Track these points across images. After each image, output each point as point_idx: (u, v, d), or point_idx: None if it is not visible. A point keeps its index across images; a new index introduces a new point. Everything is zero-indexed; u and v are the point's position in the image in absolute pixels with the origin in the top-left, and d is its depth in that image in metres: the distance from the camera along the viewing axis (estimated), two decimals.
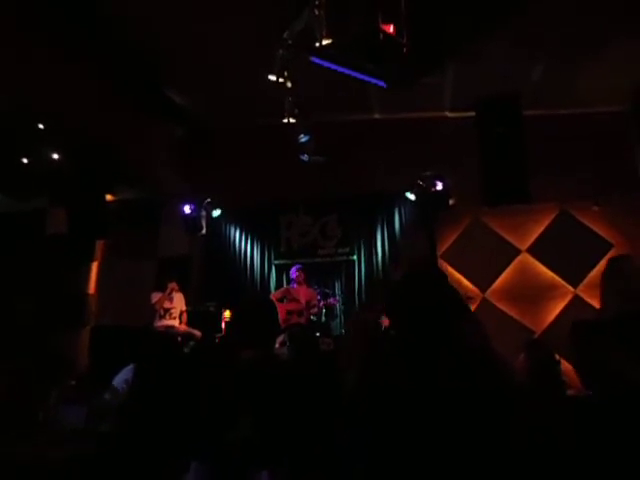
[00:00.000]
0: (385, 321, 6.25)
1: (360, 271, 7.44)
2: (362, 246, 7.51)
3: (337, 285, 7.43)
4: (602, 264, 6.84)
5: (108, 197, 7.25)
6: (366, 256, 7.47)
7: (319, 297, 6.60)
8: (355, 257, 7.48)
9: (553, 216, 7.03)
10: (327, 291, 6.91)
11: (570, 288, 6.79)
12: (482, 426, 1.29)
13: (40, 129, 5.69)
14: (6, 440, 2.51)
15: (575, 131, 6.55)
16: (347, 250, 7.51)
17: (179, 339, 5.82)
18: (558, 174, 6.41)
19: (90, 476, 1.91)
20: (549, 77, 5.93)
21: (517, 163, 5.99)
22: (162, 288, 6.30)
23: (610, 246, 6.84)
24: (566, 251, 6.74)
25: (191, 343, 5.83)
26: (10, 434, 2.60)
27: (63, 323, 6.97)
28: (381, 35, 3.50)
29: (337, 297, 7.10)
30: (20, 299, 6.94)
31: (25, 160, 6.24)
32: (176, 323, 6.22)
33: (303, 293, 6.41)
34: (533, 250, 6.97)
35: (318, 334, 6.17)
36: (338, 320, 7.15)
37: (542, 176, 6.10)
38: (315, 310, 6.61)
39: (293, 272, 6.57)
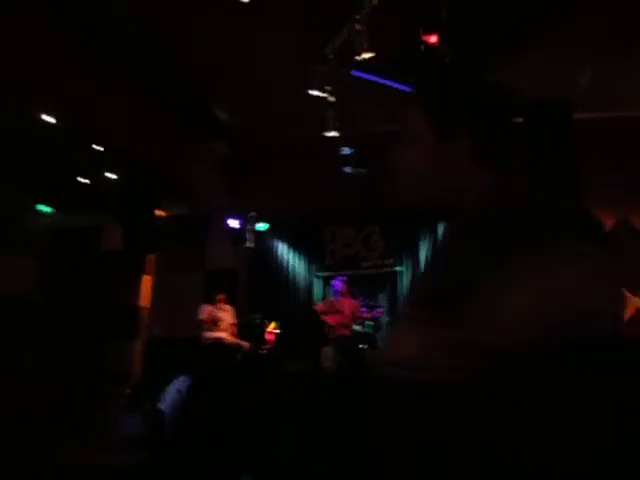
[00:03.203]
0: None
1: (404, 282, 7.35)
2: (406, 258, 7.43)
3: (382, 296, 7.37)
4: None
5: (158, 213, 7.55)
6: (411, 267, 7.38)
7: (364, 309, 6.56)
8: (399, 268, 7.41)
9: (610, 224, 6.72)
10: (372, 303, 6.86)
11: (633, 298, 6.44)
12: None
13: (97, 150, 6.01)
14: (66, 449, 2.63)
15: (630, 135, 6.26)
16: (391, 261, 7.45)
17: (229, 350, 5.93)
18: (613, 180, 6.13)
19: None
20: (598, 81, 5.72)
21: (568, 170, 5.78)
22: (211, 300, 6.44)
23: None
24: (624, 260, 6.41)
25: (239, 355, 5.92)
26: (69, 444, 2.72)
27: (118, 335, 7.26)
28: (422, 46, 3.51)
29: (382, 309, 7.04)
30: (76, 312, 7.28)
31: (84, 180, 6.59)
32: (225, 335, 6.33)
33: (348, 305, 6.38)
34: None
35: (364, 346, 6.13)
36: (383, 332, 7.08)
37: (596, 183, 5.86)
38: (360, 321, 6.57)
39: (337, 284, 6.56)
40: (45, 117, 5.18)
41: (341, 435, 1.87)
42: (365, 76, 4.05)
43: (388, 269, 7.43)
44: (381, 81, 4.11)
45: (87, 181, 6.59)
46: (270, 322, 6.63)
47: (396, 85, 4.18)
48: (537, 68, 5.30)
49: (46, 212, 7.29)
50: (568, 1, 3.87)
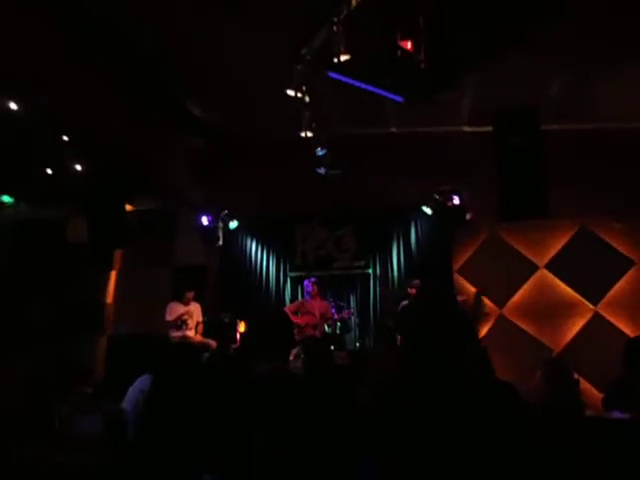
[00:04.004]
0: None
1: (375, 284, 7.42)
2: (377, 259, 7.49)
3: (352, 298, 7.41)
4: (623, 281, 6.77)
5: (127, 207, 7.38)
6: (382, 270, 7.44)
7: (334, 310, 6.59)
8: (370, 270, 7.46)
9: (573, 232, 6.94)
10: (342, 304, 6.89)
11: (590, 306, 6.67)
12: (497, 445, 1.28)
13: (62, 139, 5.83)
14: (22, 446, 2.55)
15: (595, 146, 6.49)
16: (362, 263, 7.50)
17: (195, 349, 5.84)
18: (578, 190, 6.34)
19: None
20: (567, 92, 5.90)
21: (535, 178, 5.94)
22: (179, 298, 6.34)
23: (631, 263, 6.72)
24: (586, 268, 6.64)
25: (206, 354, 5.84)
26: (26, 440, 2.63)
27: (81, 331, 7.07)
28: (399, 51, 3.54)
29: (352, 310, 7.08)
30: (38, 306, 7.06)
31: (49, 171, 6.38)
32: (192, 334, 6.24)
33: (318, 306, 6.40)
34: (552, 266, 6.88)
35: (332, 347, 6.15)
36: (353, 334, 7.12)
37: (561, 191, 6.04)
38: (329, 322, 6.59)
39: (308, 285, 6.57)
40: (8, 104, 4.99)
41: (309, 434, 1.87)
42: (341, 78, 4.06)
43: (359, 271, 7.48)
44: (357, 84, 4.12)
45: (52, 171, 6.39)
46: (241, 321, 6.58)
47: (372, 88, 4.20)
48: (506, 78, 5.44)
49: (8, 203, 7.03)
50: (537, 14, 3.97)
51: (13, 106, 5.02)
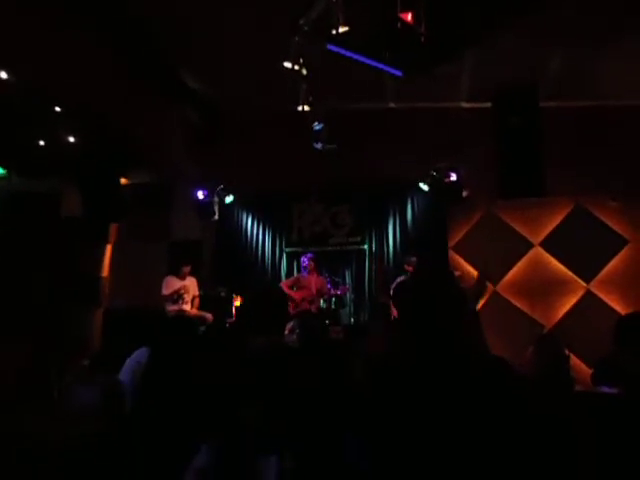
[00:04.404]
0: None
1: (371, 260, 7.45)
2: (373, 236, 7.50)
3: (347, 274, 7.45)
4: (617, 260, 6.83)
5: (122, 181, 7.31)
6: (377, 246, 7.47)
7: (329, 285, 6.63)
8: (366, 246, 7.49)
9: (568, 210, 6.96)
10: (337, 280, 6.93)
11: (582, 283, 6.74)
12: (489, 420, 1.31)
13: (56, 111, 5.73)
14: (21, 415, 2.58)
15: (593, 124, 6.45)
16: (358, 239, 7.51)
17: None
18: (575, 168, 6.33)
19: (102, 454, 1.97)
20: (568, 68, 5.84)
21: (533, 155, 5.93)
22: (175, 272, 6.35)
23: (625, 242, 6.77)
24: (580, 246, 6.68)
25: (202, 328, 5.89)
26: (25, 409, 2.67)
27: (77, 304, 7.09)
28: (399, 23, 3.47)
29: (347, 286, 7.13)
30: (34, 279, 7.05)
31: (41, 142, 6.29)
32: (188, 307, 6.28)
33: (314, 281, 6.43)
34: (546, 244, 6.92)
35: (327, 322, 6.21)
36: (348, 309, 7.18)
37: (558, 169, 6.04)
38: (325, 297, 6.64)
39: (304, 260, 6.59)
40: (2, 76, 4.88)
41: (303, 407, 1.90)
42: (340, 51, 3.98)
43: (355, 247, 7.50)
44: (355, 57, 4.05)
45: (45, 143, 6.30)
46: (237, 295, 6.62)
47: (370, 61, 4.13)
48: (506, 54, 5.36)
49: (1, 174, 6.95)
50: None
51: (3, 75, 4.91)
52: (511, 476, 1.26)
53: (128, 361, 2.82)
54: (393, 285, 6.34)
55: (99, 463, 1.89)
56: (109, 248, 7.78)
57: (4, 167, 6.80)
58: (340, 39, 3.85)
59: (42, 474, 1.87)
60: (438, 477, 1.30)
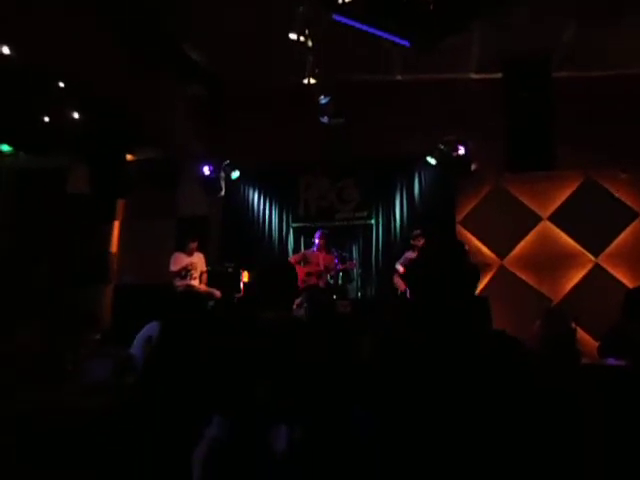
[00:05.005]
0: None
1: (378, 235, 7.43)
2: (380, 210, 7.46)
3: (354, 249, 7.45)
4: (626, 233, 6.76)
5: (128, 157, 7.29)
6: (384, 220, 7.44)
7: (337, 260, 6.64)
8: (373, 221, 7.46)
9: (577, 184, 6.87)
10: (344, 255, 6.93)
11: (591, 257, 6.71)
12: (496, 395, 1.32)
13: (60, 87, 5.69)
14: (35, 390, 2.65)
15: (605, 94, 6.32)
16: (365, 214, 7.48)
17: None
18: (585, 140, 6.22)
19: (116, 426, 2.02)
20: (580, 37, 5.67)
21: (543, 128, 5.83)
22: (183, 248, 6.39)
23: (635, 214, 6.69)
24: (589, 220, 6.62)
25: (211, 302, 5.95)
26: (39, 384, 2.73)
27: (87, 280, 7.17)
28: None
29: (354, 261, 7.14)
30: (44, 256, 7.12)
31: (46, 118, 6.27)
32: (196, 283, 6.34)
33: (322, 258, 6.44)
34: (555, 218, 6.86)
35: (335, 297, 6.25)
36: (355, 284, 7.21)
37: (568, 142, 5.93)
38: (332, 273, 6.66)
39: (317, 236, 6.57)
40: (5, 51, 4.83)
41: (312, 380, 1.93)
42: (346, 21, 3.89)
43: (362, 222, 7.48)
44: (362, 27, 3.96)
45: (51, 120, 6.27)
46: (244, 271, 6.65)
47: (377, 32, 4.04)
48: (517, 23, 5.22)
49: (7, 152, 6.95)
50: None
51: (6, 51, 4.87)
52: (518, 450, 1.27)
53: (139, 335, 2.86)
54: (401, 260, 6.36)
55: (113, 435, 1.94)
56: (117, 225, 7.82)
57: (10, 144, 6.80)
58: (346, 9, 3.76)
59: (60, 447, 1.93)
60: (445, 451, 1.32)
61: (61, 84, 5.65)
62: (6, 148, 6.88)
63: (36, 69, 5.30)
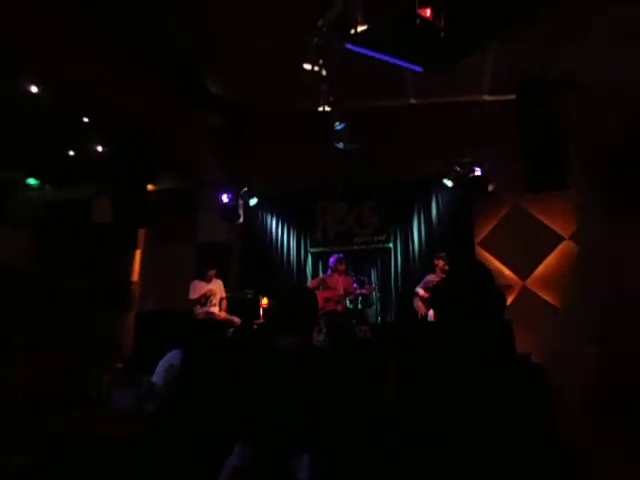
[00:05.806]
0: None
1: (397, 259, 7.41)
2: (398, 234, 7.46)
3: (373, 273, 7.43)
4: None
5: (149, 187, 7.48)
6: (402, 244, 7.42)
7: (355, 285, 6.63)
8: (391, 245, 7.45)
9: None
10: (363, 278, 6.91)
11: None
12: (522, 424, 1.30)
13: (84, 122, 5.90)
14: (61, 417, 2.68)
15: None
16: (383, 238, 7.48)
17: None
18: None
19: (142, 454, 2.03)
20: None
21: (560, 148, 5.80)
22: (202, 276, 6.46)
23: None
24: None
25: (230, 330, 5.97)
26: (65, 411, 2.77)
27: (109, 309, 7.28)
28: (417, 20, 3.45)
29: (373, 285, 7.11)
30: (69, 285, 7.27)
31: (71, 152, 6.50)
32: (216, 310, 6.38)
33: (342, 281, 6.43)
34: (577, 237, 6.75)
35: (354, 321, 6.21)
36: (374, 308, 7.17)
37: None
38: (352, 297, 6.64)
39: (333, 261, 6.55)
40: (29, 87, 5.06)
41: (334, 407, 1.92)
42: (359, 49, 3.98)
43: (380, 245, 7.47)
44: (375, 55, 4.04)
45: (75, 153, 6.50)
46: (263, 297, 6.67)
47: (390, 59, 4.12)
48: (530, 45, 5.25)
49: (33, 185, 7.21)
50: None
51: (34, 89, 5.09)
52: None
53: (161, 363, 2.88)
54: (422, 284, 6.31)
55: (138, 461, 1.95)
56: (139, 253, 7.96)
57: (37, 178, 7.05)
58: (359, 38, 3.85)
59: (91, 472, 1.94)
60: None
61: (85, 119, 5.86)
62: (33, 182, 7.14)
63: (62, 105, 5.51)
